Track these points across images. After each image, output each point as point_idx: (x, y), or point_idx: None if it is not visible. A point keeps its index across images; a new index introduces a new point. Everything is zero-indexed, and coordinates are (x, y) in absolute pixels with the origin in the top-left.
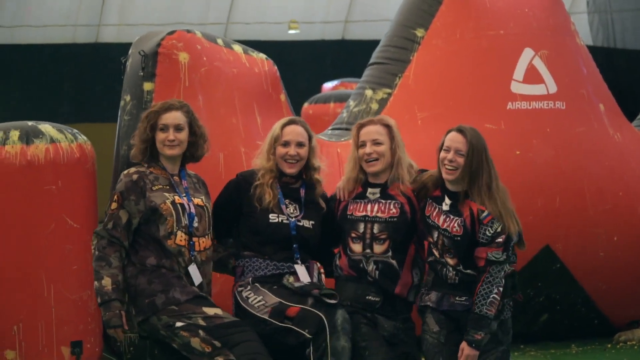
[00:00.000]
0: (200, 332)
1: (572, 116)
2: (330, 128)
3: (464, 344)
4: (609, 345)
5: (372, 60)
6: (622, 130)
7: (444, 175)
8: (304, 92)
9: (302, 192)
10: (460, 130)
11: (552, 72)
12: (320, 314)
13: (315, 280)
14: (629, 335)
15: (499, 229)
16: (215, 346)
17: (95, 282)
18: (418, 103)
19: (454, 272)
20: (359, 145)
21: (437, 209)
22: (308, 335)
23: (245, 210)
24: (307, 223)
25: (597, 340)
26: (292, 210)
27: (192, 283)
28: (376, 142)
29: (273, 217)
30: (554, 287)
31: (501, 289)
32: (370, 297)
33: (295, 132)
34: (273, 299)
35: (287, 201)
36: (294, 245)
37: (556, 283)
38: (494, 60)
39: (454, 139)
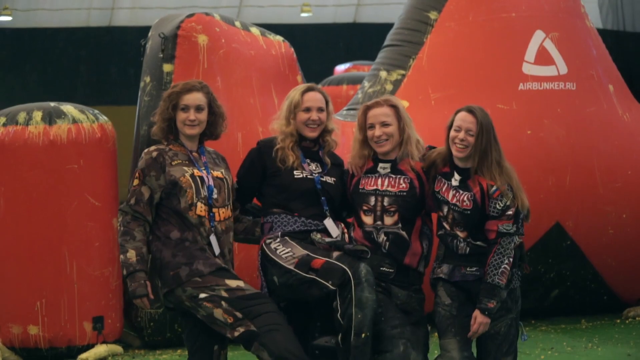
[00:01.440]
0: (223, 303)
1: (582, 96)
2: (345, 108)
3: (476, 312)
4: (618, 321)
5: (386, 42)
6: (631, 111)
7: (455, 153)
8: (317, 75)
9: (321, 153)
10: (470, 111)
11: (562, 54)
12: (344, 267)
13: (339, 237)
14: (638, 311)
15: (508, 202)
16: (237, 317)
17: (121, 256)
18: (431, 84)
19: (465, 244)
20: (368, 127)
21: (446, 185)
22: (332, 287)
23: (269, 172)
24: (329, 179)
25: (607, 315)
26: (314, 168)
27: (213, 253)
28: (384, 124)
29: (297, 174)
30: (564, 263)
31: (512, 259)
32: (384, 268)
33: (316, 98)
34: (301, 251)
35: (308, 160)
36: (322, 198)
37: (566, 259)
38: (505, 42)
39: (464, 119)
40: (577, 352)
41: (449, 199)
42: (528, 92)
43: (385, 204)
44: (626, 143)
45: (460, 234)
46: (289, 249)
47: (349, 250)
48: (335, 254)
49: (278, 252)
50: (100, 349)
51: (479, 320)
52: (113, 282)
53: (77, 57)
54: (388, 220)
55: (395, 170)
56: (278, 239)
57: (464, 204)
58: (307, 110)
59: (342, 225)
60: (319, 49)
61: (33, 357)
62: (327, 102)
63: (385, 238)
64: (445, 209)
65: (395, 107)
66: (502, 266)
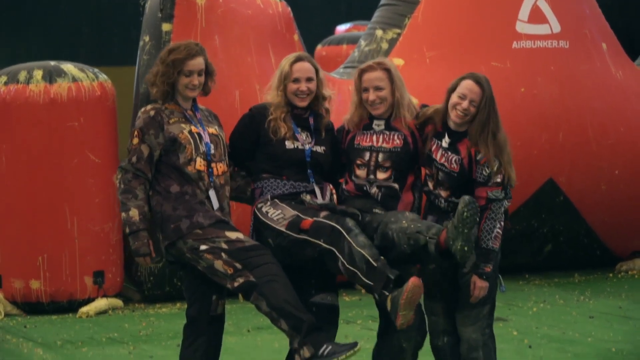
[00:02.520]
0: (223, 254)
1: (575, 55)
2: (342, 67)
3: (475, 278)
4: (611, 275)
5: (382, 1)
6: (624, 69)
7: (453, 118)
8: (318, 34)
9: (311, 120)
10: (478, 82)
11: (555, 13)
12: (332, 223)
13: (327, 200)
14: (630, 265)
15: (494, 169)
16: (237, 268)
17: (123, 214)
18: (426, 43)
19: (446, 204)
20: (362, 90)
21: (436, 144)
22: (324, 245)
23: (262, 140)
24: (319, 149)
25: (600, 270)
26: (304, 137)
27: (212, 207)
28: (378, 88)
29: (289, 144)
30: (557, 219)
31: (502, 223)
32: (376, 210)
33: (304, 68)
34: (290, 212)
35: (299, 129)
36: (309, 171)
37: (560, 215)
38: (499, 1)
39: (471, 89)
40: (569, 304)
41: (437, 158)
42: (522, 51)
43: (380, 159)
44: (619, 101)
45: (443, 194)
46: (279, 211)
47: (341, 211)
48: (323, 213)
49: (269, 215)
50: (101, 303)
51: (478, 285)
52: (113, 238)
53: (78, 18)
54: (381, 175)
55: (390, 127)
56: (268, 202)
57: (452, 166)
58: (296, 80)
59: (331, 186)
60: (320, 9)
61: (35, 311)
62: (317, 71)
63: (377, 190)
64: (433, 167)
65: (388, 71)
66: (495, 230)
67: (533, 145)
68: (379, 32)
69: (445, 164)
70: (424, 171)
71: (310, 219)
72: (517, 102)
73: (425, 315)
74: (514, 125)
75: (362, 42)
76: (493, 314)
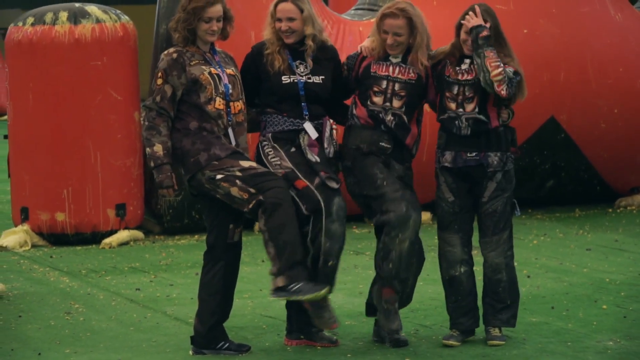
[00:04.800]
0: (238, 181)
1: None
2: (353, 8)
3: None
4: (610, 210)
5: None
6: (623, 11)
7: (467, 52)
8: None
9: (305, 55)
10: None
11: None
12: (319, 198)
13: (327, 135)
14: (629, 201)
15: (511, 64)
16: (251, 192)
17: (147, 149)
18: None
19: (466, 123)
20: (383, 31)
21: (456, 69)
22: (305, 212)
23: (262, 76)
24: (317, 79)
25: (600, 205)
26: (302, 70)
27: (231, 142)
28: (397, 34)
29: (285, 79)
30: (558, 155)
31: (506, 74)
32: (383, 144)
33: (285, 9)
34: (287, 164)
35: (297, 62)
36: (303, 104)
37: (561, 151)
38: None
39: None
40: (568, 237)
41: (460, 77)
42: None
43: (396, 88)
44: (618, 41)
45: (468, 108)
46: (278, 158)
47: (322, 178)
48: (317, 180)
49: (269, 157)
50: (123, 235)
51: (475, 21)
52: (134, 172)
53: None
54: (396, 103)
55: (406, 61)
56: (270, 144)
57: (475, 74)
58: (279, 20)
59: (331, 121)
60: None
61: (60, 242)
62: (301, 11)
63: (392, 118)
64: (455, 88)
65: (410, 19)
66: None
67: (535, 84)
68: None
69: (469, 77)
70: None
71: (304, 182)
72: (519, 42)
73: (441, 247)
74: None
75: None
76: (512, 237)
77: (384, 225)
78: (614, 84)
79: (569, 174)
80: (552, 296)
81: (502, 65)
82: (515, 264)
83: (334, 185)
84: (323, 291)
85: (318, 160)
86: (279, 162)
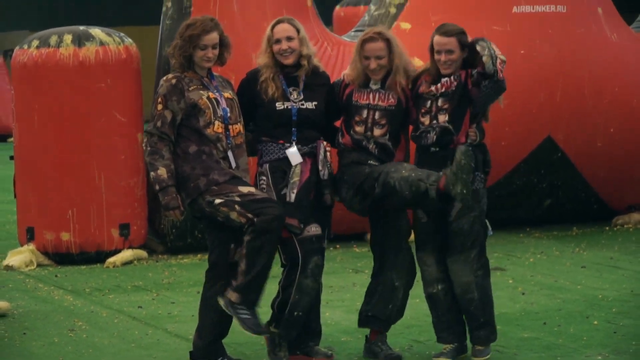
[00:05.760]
0: (236, 206)
1: (572, 19)
2: (353, 30)
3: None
4: (607, 228)
5: None
6: (619, 31)
7: (443, 72)
8: None
9: (302, 76)
10: (444, 34)
11: None
12: (299, 253)
13: (321, 157)
14: (626, 219)
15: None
16: (249, 217)
17: (152, 173)
18: (432, 7)
19: (434, 133)
20: (364, 57)
21: (432, 85)
22: (284, 262)
23: (257, 102)
24: (310, 105)
25: (597, 223)
26: (295, 96)
27: (231, 165)
28: (378, 57)
29: (279, 105)
30: (556, 174)
31: (498, 59)
32: (371, 162)
33: (283, 29)
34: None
35: (291, 89)
36: (293, 129)
37: (558, 171)
38: None
39: (440, 43)
40: (564, 255)
41: (436, 91)
42: (521, 15)
43: (377, 117)
44: (614, 62)
45: (441, 118)
46: (269, 194)
47: (299, 240)
48: (306, 232)
49: (264, 190)
50: (127, 254)
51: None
52: (138, 192)
53: None
54: (377, 132)
55: (384, 86)
56: (266, 179)
57: (453, 85)
58: (278, 41)
59: (325, 143)
60: None
61: (65, 261)
62: (298, 31)
63: (374, 146)
64: (429, 103)
65: (387, 41)
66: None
67: (532, 104)
68: None
69: (445, 87)
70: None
71: (287, 233)
72: (517, 63)
73: (418, 266)
74: (514, 85)
75: (372, 7)
76: (483, 256)
77: (383, 194)
78: (610, 103)
79: (566, 193)
80: (545, 312)
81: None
82: (510, 281)
83: (295, 230)
84: (260, 335)
85: (292, 201)
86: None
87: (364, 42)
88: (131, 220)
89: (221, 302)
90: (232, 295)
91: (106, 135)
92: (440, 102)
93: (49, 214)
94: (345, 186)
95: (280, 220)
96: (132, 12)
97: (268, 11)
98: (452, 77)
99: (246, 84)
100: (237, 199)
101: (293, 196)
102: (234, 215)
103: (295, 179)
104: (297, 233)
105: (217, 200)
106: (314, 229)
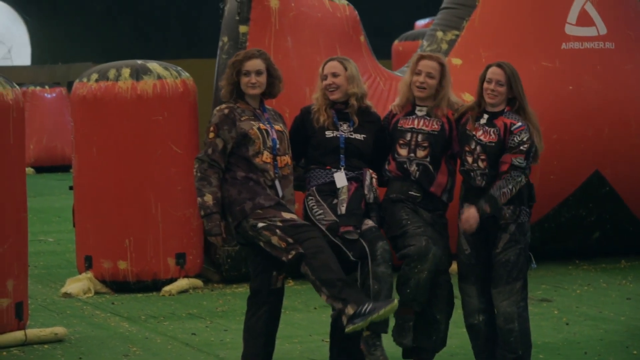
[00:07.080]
0: (278, 231)
1: (620, 55)
2: (405, 65)
3: (472, 208)
4: None
5: (443, 5)
6: None
7: (487, 100)
8: (397, 27)
9: (351, 113)
10: (499, 66)
11: (602, 16)
12: (363, 244)
13: (367, 183)
14: None
15: (524, 139)
16: (289, 242)
17: (199, 199)
18: (482, 44)
19: (481, 177)
20: (416, 72)
21: (475, 124)
22: (352, 258)
23: (309, 133)
24: (359, 136)
25: None
26: (345, 128)
27: (277, 194)
28: (429, 75)
29: (329, 133)
30: (604, 207)
31: (514, 189)
32: (412, 192)
33: (331, 66)
34: (331, 216)
35: (341, 122)
36: (340, 155)
37: (606, 204)
38: (550, 5)
39: (494, 72)
40: (610, 287)
41: (477, 135)
42: (570, 51)
43: (419, 139)
44: None
45: (481, 165)
46: (322, 212)
47: (341, 236)
48: (364, 227)
49: (313, 211)
50: (183, 283)
51: (470, 211)
52: (194, 222)
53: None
54: (420, 153)
55: (430, 114)
56: (314, 199)
57: (490, 137)
58: (325, 77)
59: (371, 171)
60: (401, 3)
61: (122, 289)
62: (346, 69)
63: (416, 168)
64: (473, 144)
65: (442, 65)
66: (505, 189)
67: (580, 139)
68: (440, 34)
69: (483, 138)
70: (461, 153)
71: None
72: (565, 99)
73: (461, 296)
74: (563, 120)
75: (425, 43)
76: (526, 288)
77: (405, 258)
78: None
79: (614, 226)
80: (586, 342)
81: (509, 190)
82: (556, 312)
83: (353, 237)
84: (394, 302)
85: (344, 212)
86: (322, 215)
87: (421, 57)
88: (187, 249)
89: (349, 328)
90: (349, 310)
91: (163, 167)
92: (478, 150)
93: (106, 243)
94: (385, 227)
95: (322, 241)
96: (192, 45)
97: (321, 46)
98: (492, 131)
99: (300, 118)
100: (279, 223)
101: (344, 208)
102: (275, 240)
103: (343, 196)
104: (354, 240)
105: (260, 224)
106: (370, 223)
